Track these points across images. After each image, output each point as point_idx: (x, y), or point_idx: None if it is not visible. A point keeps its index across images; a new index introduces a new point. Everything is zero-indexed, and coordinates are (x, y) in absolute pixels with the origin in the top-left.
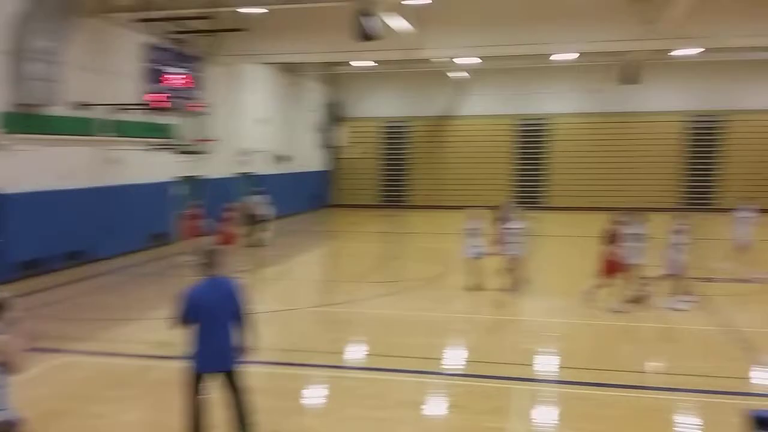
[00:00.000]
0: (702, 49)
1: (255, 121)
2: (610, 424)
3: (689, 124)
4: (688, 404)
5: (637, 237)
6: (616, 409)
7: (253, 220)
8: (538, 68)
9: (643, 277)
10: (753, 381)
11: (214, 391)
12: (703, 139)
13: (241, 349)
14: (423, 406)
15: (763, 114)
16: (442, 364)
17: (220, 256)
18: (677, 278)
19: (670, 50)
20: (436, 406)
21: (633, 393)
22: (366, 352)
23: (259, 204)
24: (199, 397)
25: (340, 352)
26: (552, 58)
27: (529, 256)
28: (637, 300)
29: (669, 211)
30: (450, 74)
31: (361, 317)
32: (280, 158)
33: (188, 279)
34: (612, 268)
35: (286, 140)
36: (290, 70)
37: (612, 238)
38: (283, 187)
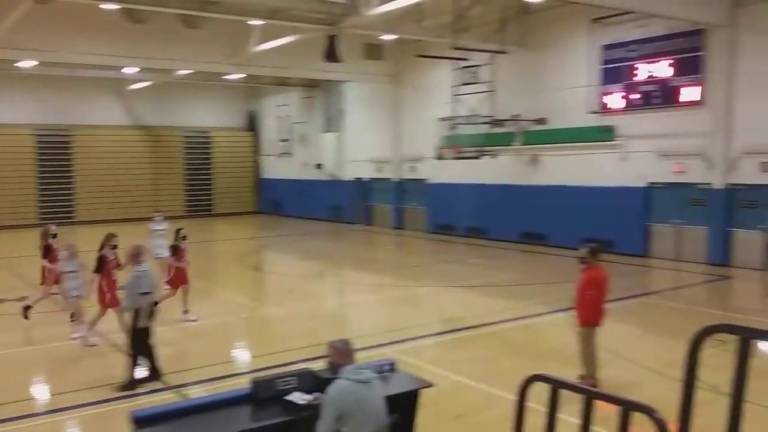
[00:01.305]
0: (37, 62)
1: None
2: None
3: (39, 138)
4: (76, 420)
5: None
6: None
7: None
8: None
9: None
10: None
11: None
12: (55, 153)
13: None
14: None
15: (103, 129)
16: None
17: None
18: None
19: (11, 60)
20: None
21: (15, 425)
22: None
23: None
24: None
25: None
26: None
27: None
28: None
29: (29, 227)
30: None
31: None
32: None
33: None
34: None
35: None
36: None
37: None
38: None
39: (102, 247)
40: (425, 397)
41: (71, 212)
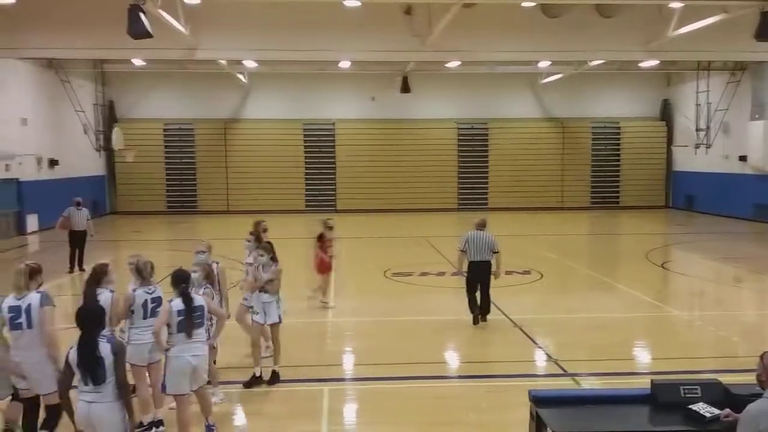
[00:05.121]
0: (459, 62)
1: (14, 121)
2: (414, 414)
3: (459, 131)
4: (481, 389)
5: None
6: (417, 401)
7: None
8: (322, 74)
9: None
10: (534, 363)
11: None
12: (473, 145)
13: None
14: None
15: (516, 122)
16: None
17: None
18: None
19: (442, 62)
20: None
21: (431, 384)
22: None
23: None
24: None
25: None
26: (340, 65)
27: None
28: None
29: (450, 211)
30: (238, 77)
31: None
32: (44, 162)
33: None
34: None
35: (53, 143)
36: (53, 66)
37: None
38: (54, 193)
39: None
40: None
41: (485, 200)
